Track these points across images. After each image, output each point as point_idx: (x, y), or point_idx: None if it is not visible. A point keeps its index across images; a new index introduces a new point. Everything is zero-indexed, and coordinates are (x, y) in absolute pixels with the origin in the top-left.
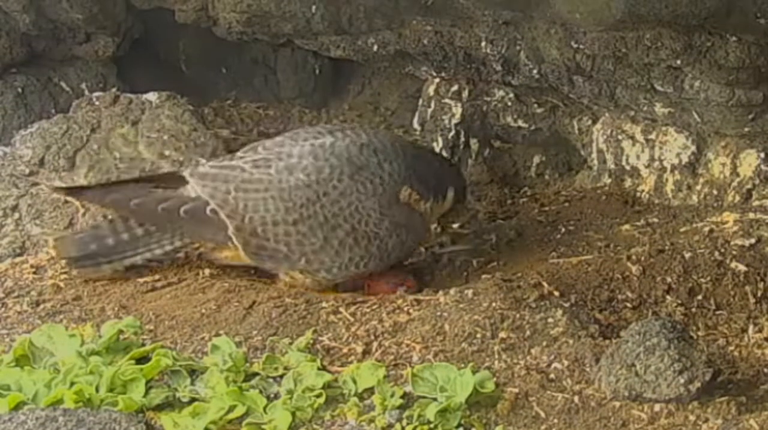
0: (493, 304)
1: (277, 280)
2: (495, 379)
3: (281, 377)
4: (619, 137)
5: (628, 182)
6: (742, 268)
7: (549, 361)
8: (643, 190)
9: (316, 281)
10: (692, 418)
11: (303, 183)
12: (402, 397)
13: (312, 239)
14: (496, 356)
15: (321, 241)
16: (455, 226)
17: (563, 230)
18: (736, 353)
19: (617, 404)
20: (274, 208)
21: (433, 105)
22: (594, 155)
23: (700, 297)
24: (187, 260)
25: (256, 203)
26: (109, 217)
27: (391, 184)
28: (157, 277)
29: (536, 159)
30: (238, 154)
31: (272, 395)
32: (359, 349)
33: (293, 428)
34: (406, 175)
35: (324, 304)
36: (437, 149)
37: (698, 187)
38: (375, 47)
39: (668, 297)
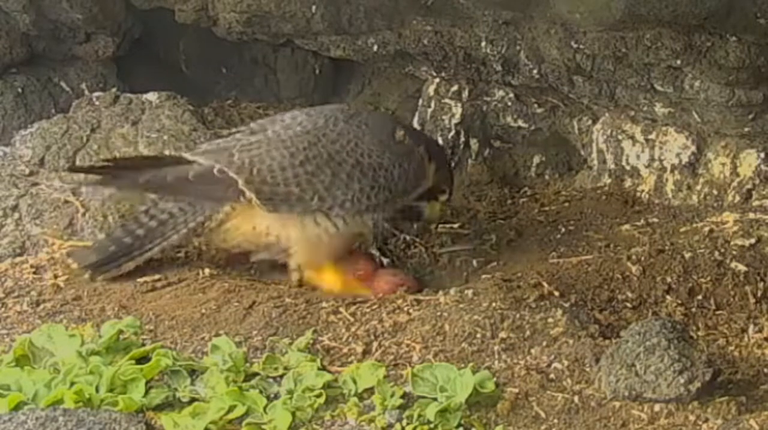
0: (493, 304)
1: (288, 274)
2: (495, 379)
3: (281, 377)
4: (619, 137)
5: (628, 182)
6: (742, 268)
7: (549, 361)
8: (643, 190)
9: (329, 236)
10: (692, 418)
11: (301, 131)
12: (402, 397)
13: (321, 176)
14: (496, 356)
15: (330, 176)
16: (456, 225)
17: (563, 230)
18: (736, 353)
19: (617, 404)
20: (279, 155)
21: (433, 105)
22: (594, 155)
23: (700, 297)
24: (197, 246)
25: (260, 157)
26: (119, 220)
27: (384, 126)
28: (157, 277)
29: (536, 159)
30: (230, 132)
31: (272, 395)
32: (359, 349)
33: (293, 428)
34: (395, 123)
35: (324, 304)
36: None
37: (698, 187)
38: (375, 47)
39: (668, 297)
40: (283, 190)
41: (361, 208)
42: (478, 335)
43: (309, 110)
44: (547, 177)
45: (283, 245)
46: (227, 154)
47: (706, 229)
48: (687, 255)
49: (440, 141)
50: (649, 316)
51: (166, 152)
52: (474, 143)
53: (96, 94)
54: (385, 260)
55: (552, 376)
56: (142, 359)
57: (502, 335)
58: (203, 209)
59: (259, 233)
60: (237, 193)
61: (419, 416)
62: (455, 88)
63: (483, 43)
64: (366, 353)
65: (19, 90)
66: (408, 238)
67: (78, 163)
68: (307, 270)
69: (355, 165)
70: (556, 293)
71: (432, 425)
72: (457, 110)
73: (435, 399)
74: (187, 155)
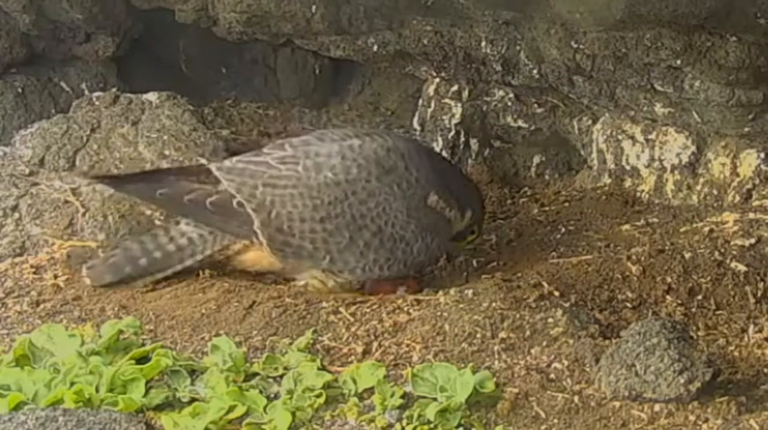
0: (493, 304)
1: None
2: (495, 379)
3: (281, 377)
4: (619, 137)
5: (628, 182)
6: (742, 268)
7: (549, 361)
8: (643, 190)
9: (338, 284)
10: (692, 418)
11: (331, 181)
12: (402, 397)
13: (338, 237)
14: (496, 356)
15: (347, 240)
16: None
17: (563, 230)
18: (736, 353)
19: (617, 404)
20: (301, 204)
21: (433, 105)
22: (594, 155)
23: (700, 297)
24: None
25: (283, 199)
26: (138, 237)
27: (418, 188)
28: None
29: (536, 159)
30: (264, 150)
31: (272, 395)
32: (359, 349)
33: (293, 428)
34: (433, 181)
35: (324, 304)
36: (437, 149)
37: (698, 187)
38: (375, 47)
39: (668, 297)
40: (296, 244)
41: (371, 277)
42: (478, 335)
43: (350, 145)
44: (547, 177)
45: (303, 275)
46: (251, 184)
47: (706, 229)
48: (687, 255)
49: (441, 143)
50: (649, 316)
51: (166, 152)
52: (474, 143)
53: (96, 94)
54: None
55: (552, 376)
56: (142, 359)
57: (502, 335)
58: (222, 238)
59: (275, 266)
60: (250, 233)
61: (419, 416)
62: (455, 88)
63: (483, 43)
64: (366, 353)
65: (19, 90)
66: None
67: (78, 163)
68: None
69: (376, 233)
70: (556, 293)
71: (432, 425)
72: (457, 110)
73: (435, 399)
74: (213, 167)
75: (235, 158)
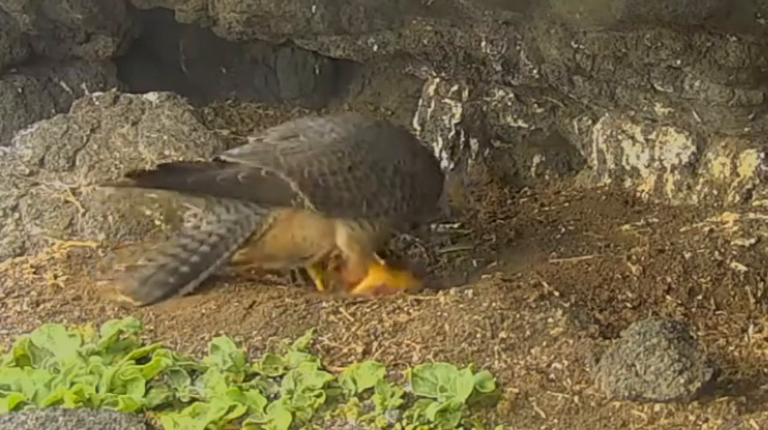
0: (493, 304)
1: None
2: (495, 379)
3: (281, 377)
4: (619, 137)
5: (628, 182)
6: (742, 268)
7: (549, 361)
8: (643, 190)
9: (370, 239)
10: (692, 418)
11: (340, 137)
12: (402, 397)
13: (368, 181)
14: (496, 356)
15: (376, 182)
16: (456, 226)
17: (563, 230)
18: (736, 353)
19: (617, 404)
20: (327, 160)
21: (433, 105)
22: (594, 155)
23: (700, 297)
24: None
25: (308, 160)
26: (162, 248)
27: (404, 133)
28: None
29: (536, 159)
30: (250, 140)
31: (272, 395)
32: (359, 349)
33: (293, 428)
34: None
35: (324, 304)
36: (437, 149)
37: (698, 187)
38: (375, 47)
39: (668, 297)
40: (336, 195)
41: (402, 214)
42: (478, 335)
43: (328, 118)
44: (547, 177)
45: (324, 251)
46: (272, 156)
47: (706, 229)
48: (687, 255)
49: (441, 143)
50: (649, 316)
51: (166, 152)
52: (474, 143)
53: (96, 94)
54: (382, 262)
55: (552, 376)
56: (142, 359)
57: (502, 335)
58: (249, 224)
59: (297, 242)
60: (290, 196)
61: (419, 416)
62: (455, 88)
63: (483, 43)
64: (366, 353)
65: (19, 90)
66: (408, 238)
67: (78, 163)
68: (352, 273)
69: (395, 172)
70: (556, 293)
71: (432, 425)
72: (457, 110)
73: (435, 399)
74: (225, 157)
75: (234, 150)
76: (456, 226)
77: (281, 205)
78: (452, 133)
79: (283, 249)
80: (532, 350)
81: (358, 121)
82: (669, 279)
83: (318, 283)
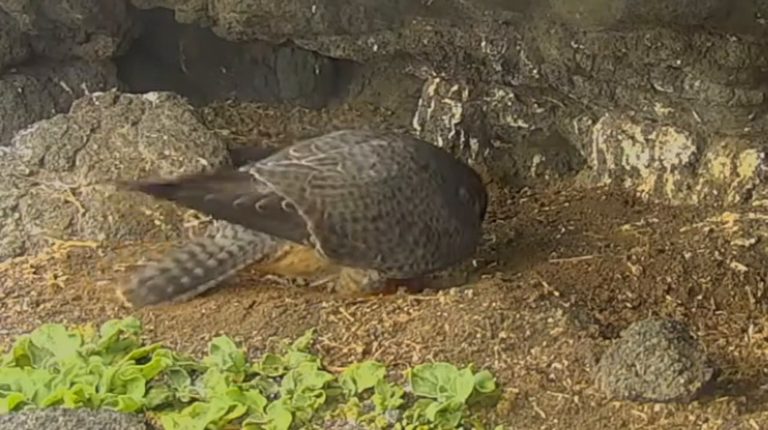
0: (493, 304)
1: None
2: (495, 379)
3: (281, 377)
4: (619, 137)
5: (628, 182)
6: (742, 268)
7: (549, 361)
8: (643, 190)
9: (371, 283)
10: (692, 418)
11: (378, 179)
12: (402, 397)
13: (389, 235)
14: (496, 356)
15: (397, 238)
16: None
17: (563, 230)
18: (736, 353)
19: (617, 404)
20: (353, 204)
21: (433, 105)
22: (594, 155)
23: (700, 297)
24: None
25: (333, 200)
26: (171, 251)
27: (450, 182)
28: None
29: (536, 159)
30: (292, 152)
31: (272, 395)
32: (359, 349)
33: (293, 428)
34: (457, 175)
35: (324, 304)
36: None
37: (698, 187)
38: (375, 47)
39: (668, 297)
40: (350, 244)
41: (417, 272)
42: (478, 335)
43: (379, 144)
44: (547, 177)
45: (329, 277)
46: (299, 186)
47: (706, 229)
48: (687, 255)
49: (441, 143)
50: (649, 316)
51: (166, 152)
52: (474, 143)
53: (96, 94)
54: None
55: (552, 376)
56: (142, 359)
57: (502, 335)
58: (262, 248)
59: (311, 271)
60: (303, 236)
61: (419, 416)
62: (455, 88)
63: (483, 43)
64: (366, 353)
65: (19, 90)
66: None
67: (78, 163)
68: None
69: (423, 230)
70: (556, 293)
71: (432, 425)
72: (457, 110)
73: (435, 399)
74: (253, 171)
75: (270, 162)
76: None
77: (292, 242)
78: (452, 133)
79: (293, 273)
80: (532, 350)
81: (405, 158)
82: (669, 279)
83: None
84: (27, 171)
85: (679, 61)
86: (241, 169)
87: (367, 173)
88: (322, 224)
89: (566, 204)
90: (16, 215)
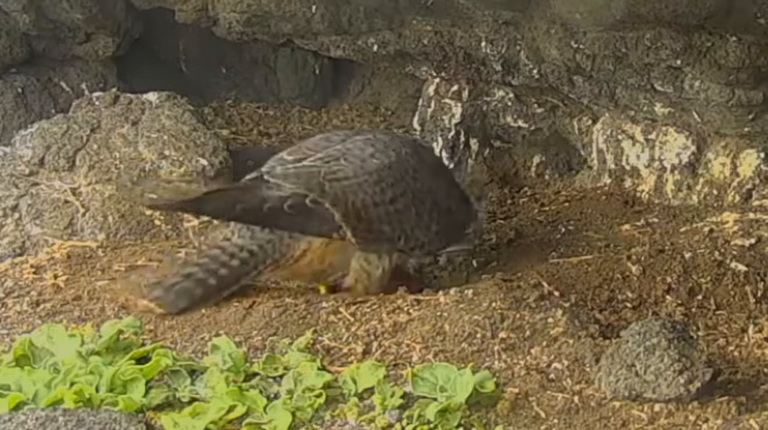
0: (493, 304)
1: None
2: (495, 379)
3: (281, 377)
4: (619, 137)
5: (628, 182)
6: (742, 268)
7: (549, 361)
8: (643, 190)
9: (383, 271)
10: (692, 418)
11: (383, 165)
12: (402, 397)
13: (408, 215)
14: (496, 356)
15: (414, 217)
16: None
17: (563, 230)
18: (736, 353)
19: (617, 404)
20: (371, 190)
21: (433, 105)
22: (594, 155)
23: (700, 297)
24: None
25: (352, 189)
26: (189, 255)
27: (439, 165)
28: (157, 277)
29: (536, 159)
30: (285, 157)
31: (272, 395)
32: (359, 349)
33: (293, 428)
34: (439, 159)
35: (324, 304)
36: (437, 149)
37: (698, 187)
38: (375, 47)
39: (668, 297)
40: (376, 229)
41: (432, 250)
42: (478, 335)
43: (366, 139)
44: (547, 177)
45: (339, 275)
46: (317, 182)
47: (706, 229)
48: (687, 255)
49: (441, 143)
50: (649, 316)
51: (166, 152)
52: (474, 143)
53: (96, 94)
54: None
55: (552, 376)
56: (142, 359)
57: (502, 335)
58: (280, 245)
59: (324, 267)
60: (333, 229)
61: (419, 416)
62: (455, 88)
63: (483, 43)
64: (366, 353)
65: (19, 90)
66: None
67: (78, 163)
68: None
69: (432, 207)
70: (556, 293)
71: (432, 425)
72: (457, 110)
73: (435, 399)
74: (267, 177)
75: (277, 168)
76: None
77: (322, 237)
78: (452, 133)
79: (309, 271)
80: (532, 350)
81: (398, 146)
82: (669, 279)
83: (322, 289)
84: (27, 171)
85: (679, 61)
86: (247, 177)
87: (372, 162)
88: (348, 213)
89: (566, 204)
90: (16, 215)
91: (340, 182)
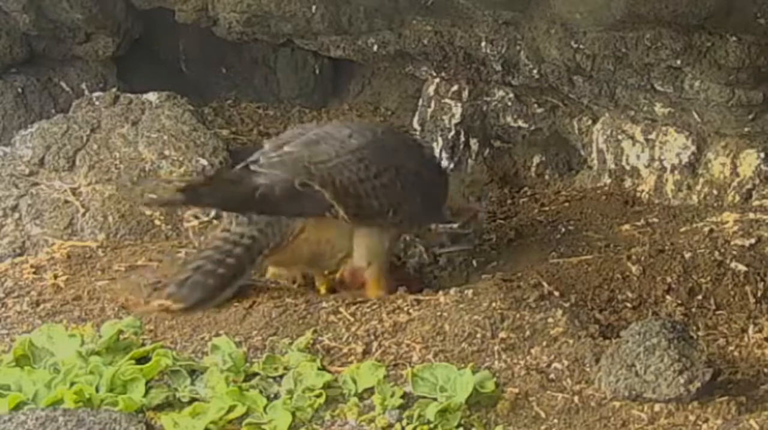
0: (493, 304)
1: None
2: (495, 379)
3: (281, 377)
4: (619, 137)
5: (628, 182)
6: (742, 268)
7: (549, 361)
8: (643, 190)
9: (390, 244)
10: (692, 418)
11: (363, 144)
12: (402, 397)
13: (393, 189)
14: (496, 356)
15: (399, 189)
16: (455, 226)
17: (563, 230)
18: (736, 353)
19: (617, 404)
20: (355, 167)
21: (433, 105)
22: (594, 155)
23: (700, 297)
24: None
25: (337, 169)
26: (198, 250)
27: (413, 141)
28: (157, 277)
29: (536, 159)
30: (268, 149)
31: (272, 395)
32: (359, 349)
33: (293, 428)
34: (410, 137)
35: (324, 304)
36: (437, 149)
37: (698, 187)
38: (375, 47)
39: (668, 297)
40: (366, 203)
41: (422, 220)
42: (478, 335)
43: (335, 124)
44: (547, 177)
45: (342, 254)
46: (302, 166)
47: (706, 229)
48: (687, 255)
49: (441, 143)
50: (649, 316)
51: (166, 152)
52: (474, 143)
53: (96, 94)
54: None
55: (552, 376)
56: (142, 359)
57: (502, 335)
58: (280, 228)
59: (322, 247)
60: (325, 208)
61: (419, 416)
62: (455, 88)
63: (483, 43)
64: (366, 353)
65: (19, 90)
66: (408, 238)
67: (78, 163)
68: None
69: (415, 180)
70: (556, 293)
71: (432, 425)
72: (457, 110)
73: (435, 399)
74: (255, 167)
75: (262, 159)
76: (456, 226)
77: (316, 216)
78: (452, 133)
79: (307, 253)
80: (532, 350)
81: (371, 128)
82: (669, 279)
83: (322, 289)
84: (27, 171)
85: (679, 61)
86: (235, 169)
87: (351, 142)
88: (337, 191)
89: (566, 204)
90: (16, 215)
91: (325, 164)
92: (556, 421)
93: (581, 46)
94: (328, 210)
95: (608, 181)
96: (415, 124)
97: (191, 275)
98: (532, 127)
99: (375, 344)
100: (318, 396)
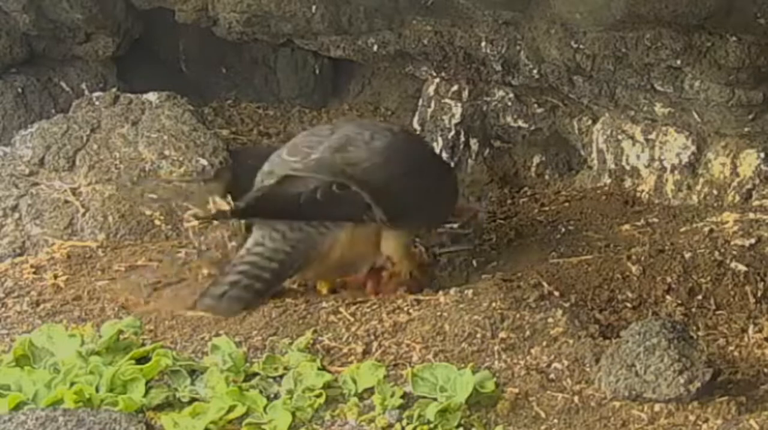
0: (493, 304)
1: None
2: (495, 379)
3: (281, 377)
4: (619, 137)
5: (628, 182)
6: (742, 268)
7: (549, 361)
8: (643, 190)
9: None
10: (692, 418)
11: (385, 145)
12: (402, 397)
13: (420, 188)
14: (496, 356)
15: (424, 189)
16: (455, 226)
17: (563, 230)
18: (736, 353)
19: (617, 404)
20: (385, 168)
21: (433, 105)
22: (594, 155)
23: (700, 297)
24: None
25: (371, 169)
26: (232, 263)
27: (425, 142)
28: (157, 277)
29: (536, 159)
30: (287, 157)
31: (272, 395)
32: (359, 349)
33: (293, 428)
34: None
35: (324, 304)
36: (437, 149)
37: (698, 187)
38: (375, 47)
39: (668, 297)
40: (401, 203)
41: (442, 219)
42: (478, 335)
43: (352, 127)
44: (547, 177)
45: (378, 258)
46: (339, 169)
47: (706, 229)
48: (687, 255)
49: (441, 143)
50: (649, 316)
51: (166, 152)
52: (474, 143)
53: (96, 94)
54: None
55: (552, 376)
56: (142, 359)
57: (502, 335)
58: (313, 242)
59: (353, 259)
60: (362, 211)
61: (419, 416)
62: (455, 88)
63: (483, 43)
64: (366, 353)
65: (19, 90)
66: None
67: (78, 163)
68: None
69: (434, 181)
70: (556, 293)
71: (432, 425)
72: (457, 110)
73: (435, 399)
74: (291, 173)
75: (291, 162)
76: (456, 226)
77: (353, 221)
78: (452, 133)
79: (337, 264)
80: (532, 350)
81: (385, 131)
82: (669, 279)
83: (323, 289)
84: (27, 171)
85: (679, 61)
86: (258, 178)
87: (375, 144)
88: (374, 192)
89: (566, 204)
90: (16, 215)
91: (356, 166)
92: (556, 421)
93: (581, 46)
94: (365, 212)
95: (608, 181)
96: (415, 124)
97: (229, 290)
98: (532, 127)
99: (375, 344)
100: (318, 396)
